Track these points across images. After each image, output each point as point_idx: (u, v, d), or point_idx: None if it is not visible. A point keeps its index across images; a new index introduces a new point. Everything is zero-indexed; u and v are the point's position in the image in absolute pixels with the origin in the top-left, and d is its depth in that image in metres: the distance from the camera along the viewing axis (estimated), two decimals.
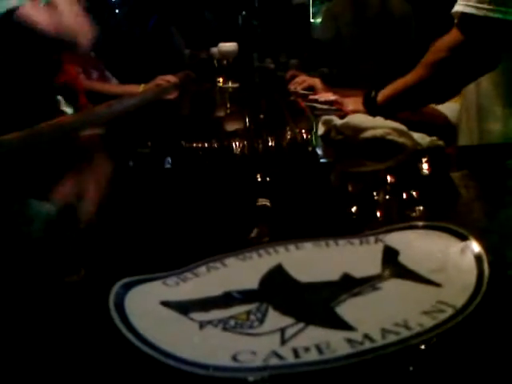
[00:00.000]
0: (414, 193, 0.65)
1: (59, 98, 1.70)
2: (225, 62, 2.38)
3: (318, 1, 4.90)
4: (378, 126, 0.82)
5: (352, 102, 1.46)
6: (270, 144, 1.09)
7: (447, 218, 0.52)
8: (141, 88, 2.32)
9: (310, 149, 1.03)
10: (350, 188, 0.71)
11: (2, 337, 0.34)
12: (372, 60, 2.40)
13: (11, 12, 1.48)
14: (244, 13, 2.99)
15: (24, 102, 1.56)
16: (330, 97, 1.66)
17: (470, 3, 1.06)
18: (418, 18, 2.53)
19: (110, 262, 0.45)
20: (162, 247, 0.48)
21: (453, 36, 1.13)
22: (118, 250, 0.48)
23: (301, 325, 0.31)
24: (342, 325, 0.31)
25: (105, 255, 0.47)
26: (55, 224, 0.60)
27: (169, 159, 1.02)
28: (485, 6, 1.04)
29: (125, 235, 0.52)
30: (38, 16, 1.49)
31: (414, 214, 0.56)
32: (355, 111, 1.36)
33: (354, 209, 0.60)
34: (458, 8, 1.10)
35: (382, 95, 1.31)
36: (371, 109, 1.30)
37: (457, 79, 1.20)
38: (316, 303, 0.34)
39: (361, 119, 0.85)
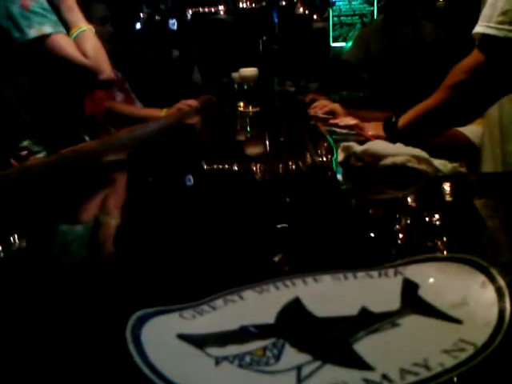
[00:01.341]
0: (435, 222, 0.64)
1: (86, 137, 1.74)
2: (245, 86, 2.40)
3: (338, 25, 4.95)
4: (398, 153, 0.81)
5: (372, 127, 1.45)
6: (289, 168, 1.09)
7: (469, 248, 0.52)
8: (163, 112, 2.35)
9: (329, 174, 1.03)
10: (369, 216, 0.71)
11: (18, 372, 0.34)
12: (401, 85, 2.39)
13: (42, 38, 1.54)
14: (264, 38, 3.02)
15: (50, 127, 1.61)
16: (350, 121, 1.66)
17: (491, 24, 1.06)
18: (452, 44, 2.52)
19: (126, 293, 0.45)
20: (179, 277, 0.48)
21: (474, 57, 1.13)
22: (134, 280, 0.48)
23: (317, 363, 0.31)
24: (359, 364, 0.30)
25: (121, 286, 0.47)
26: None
27: (189, 182, 1.03)
28: (505, 26, 1.04)
29: (142, 265, 0.53)
30: (68, 48, 1.56)
31: (434, 244, 0.55)
32: (376, 136, 1.36)
33: (373, 237, 0.59)
34: (478, 29, 1.09)
35: (403, 120, 1.31)
36: (391, 134, 1.30)
37: (478, 101, 1.19)
38: (333, 340, 0.34)
39: (381, 146, 0.85)
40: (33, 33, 1.53)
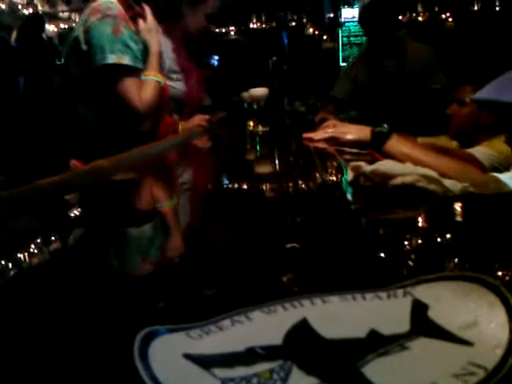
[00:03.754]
0: (444, 242, 0.63)
1: None
2: (255, 106, 2.41)
3: (347, 45, 4.99)
4: (408, 172, 0.81)
5: (355, 130, 1.47)
6: (298, 187, 1.09)
7: (479, 268, 0.51)
8: (180, 126, 2.33)
9: (338, 193, 1.03)
10: (379, 236, 0.70)
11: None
12: (390, 116, 2.37)
13: (118, 66, 1.61)
14: (274, 58, 3.05)
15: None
16: (325, 135, 1.64)
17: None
18: (445, 58, 2.49)
19: (135, 311, 0.45)
20: (187, 297, 0.48)
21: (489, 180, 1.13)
22: (143, 298, 0.48)
23: None
24: None
25: (129, 303, 0.47)
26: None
27: (198, 201, 1.03)
28: None
29: (150, 283, 0.52)
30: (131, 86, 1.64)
31: (444, 265, 0.55)
32: (358, 141, 1.38)
33: (382, 257, 0.59)
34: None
35: (396, 142, 1.32)
36: (378, 142, 1.31)
37: None
38: (342, 363, 0.33)
39: (390, 166, 0.85)
40: (112, 59, 1.61)
